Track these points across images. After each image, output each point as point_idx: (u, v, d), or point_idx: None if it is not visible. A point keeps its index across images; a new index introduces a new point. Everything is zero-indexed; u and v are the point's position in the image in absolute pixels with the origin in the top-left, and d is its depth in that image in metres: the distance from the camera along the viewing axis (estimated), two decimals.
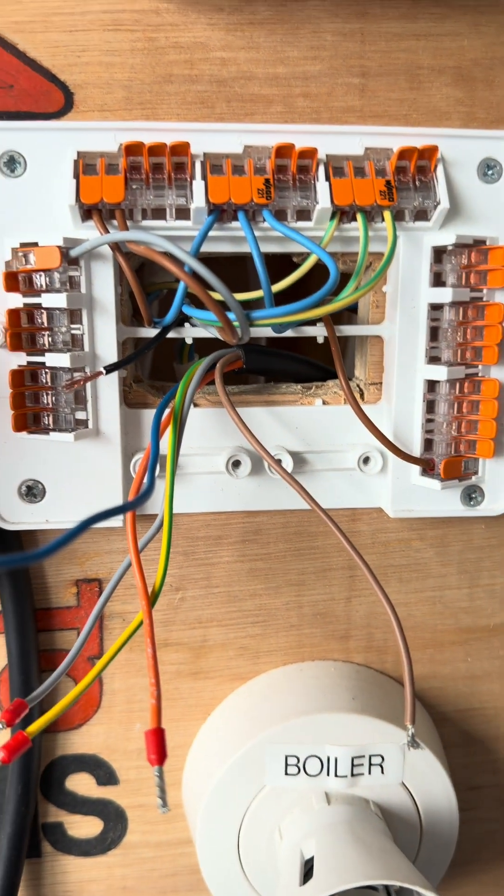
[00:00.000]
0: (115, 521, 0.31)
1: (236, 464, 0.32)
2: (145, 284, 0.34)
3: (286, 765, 0.31)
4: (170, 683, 0.34)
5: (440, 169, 0.29)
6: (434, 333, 0.31)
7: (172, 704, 0.34)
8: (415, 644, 0.35)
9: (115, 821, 0.35)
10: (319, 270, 0.28)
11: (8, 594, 0.32)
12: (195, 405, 0.32)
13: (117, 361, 0.29)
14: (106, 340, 0.30)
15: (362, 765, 0.31)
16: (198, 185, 0.28)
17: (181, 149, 0.28)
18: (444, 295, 0.30)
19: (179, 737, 0.35)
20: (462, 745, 0.37)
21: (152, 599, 0.24)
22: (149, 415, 0.31)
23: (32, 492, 0.31)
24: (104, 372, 0.28)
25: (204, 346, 0.32)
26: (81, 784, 0.35)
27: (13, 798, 0.33)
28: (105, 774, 0.35)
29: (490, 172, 0.30)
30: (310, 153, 0.28)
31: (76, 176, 0.28)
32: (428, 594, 0.35)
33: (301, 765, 0.31)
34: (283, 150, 0.28)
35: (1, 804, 0.34)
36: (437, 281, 0.30)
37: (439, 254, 0.30)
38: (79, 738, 0.34)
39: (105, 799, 0.35)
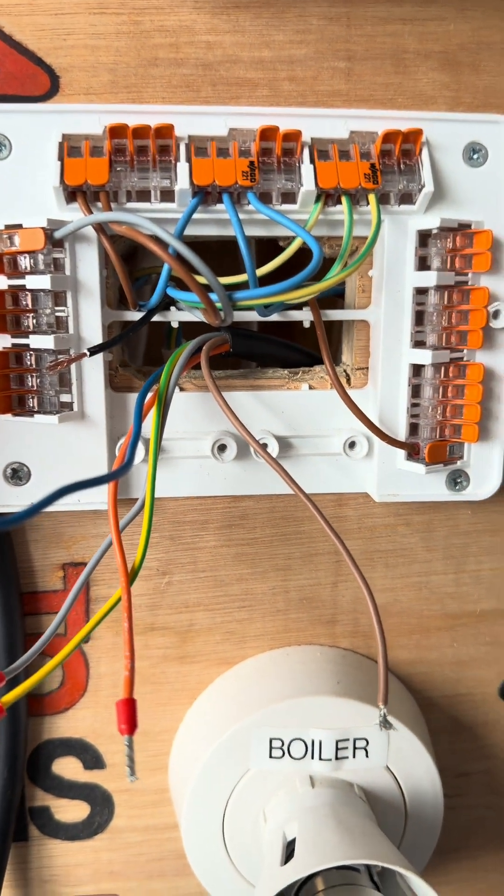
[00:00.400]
0: (102, 504, 0.31)
1: (222, 448, 0.32)
2: (134, 269, 0.34)
3: (271, 748, 0.31)
4: (156, 667, 0.34)
5: (425, 152, 0.29)
6: (419, 318, 0.31)
7: (159, 689, 0.35)
8: (401, 629, 0.36)
9: (101, 805, 0.35)
10: (307, 256, 0.28)
11: None
12: (181, 389, 0.32)
13: (101, 343, 0.29)
14: (91, 323, 0.30)
15: (346, 748, 0.31)
16: (182, 168, 0.28)
17: (166, 131, 0.28)
18: (429, 279, 0.30)
19: (166, 721, 0.35)
20: (450, 731, 0.37)
21: (131, 576, 0.24)
22: (135, 399, 0.31)
23: (17, 475, 0.31)
24: (88, 354, 0.28)
25: (192, 332, 0.32)
26: (68, 768, 0.35)
27: None
28: (91, 758, 0.35)
29: (475, 156, 0.30)
30: (294, 136, 0.28)
31: (61, 158, 0.28)
32: (414, 580, 0.35)
33: (286, 748, 0.31)
34: (267, 133, 0.28)
35: None
36: (423, 265, 0.31)
37: (424, 238, 0.30)
38: (65, 722, 0.34)
39: (91, 783, 0.35)
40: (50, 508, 0.31)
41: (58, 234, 0.28)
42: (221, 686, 0.34)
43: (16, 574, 0.33)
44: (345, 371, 0.33)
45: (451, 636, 0.36)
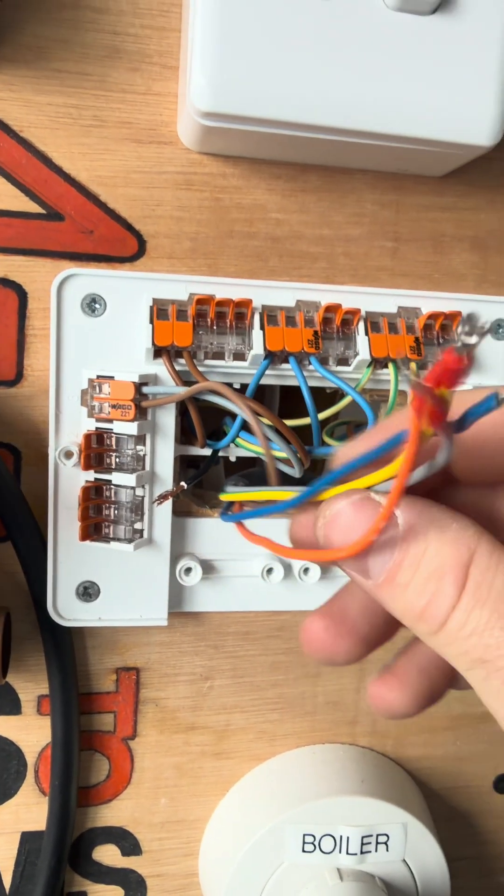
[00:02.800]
0: (161, 621, 0.34)
1: (270, 571, 0.35)
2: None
3: (303, 843, 0.35)
4: (194, 762, 0.38)
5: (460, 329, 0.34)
6: None
7: (195, 781, 0.38)
8: (412, 728, 0.40)
9: (135, 890, 0.38)
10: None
11: (56, 680, 0.35)
12: None
13: (195, 474, 0.33)
14: (164, 460, 0.33)
15: (370, 843, 0.35)
16: (256, 335, 0.32)
17: (244, 303, 0.32)
18: None
19: (200, 810, 0.38)
20: (448, 819, 0.41)
21: None
22: (191, 523, 0.35)
23: (88, 592, 0.34)
24: (185, 486, 0.32)
25: None
26: (107, 855, 0.38)
27: (45, 870, 0.36)
28: (130, 845, 0.38)
29: (500, 331, 0.35)
30: (353, 312, 0.33)
31: (151, 321, 0.32)
32: None
33: (317, 843, 0.35)
34: (331, 308, 0.33)
35: (31, 875, 0.37)
36: None
37: None
38: (109, 811, 0.37)
39: (128, 869, 0.38)
40: (114, 623, 0.34)
41: (144, 404, 0.32)
42: (253, 780, 0.38)
43: (75, 677, 0.36)
44: None
45: (455, 735, 0.40)
